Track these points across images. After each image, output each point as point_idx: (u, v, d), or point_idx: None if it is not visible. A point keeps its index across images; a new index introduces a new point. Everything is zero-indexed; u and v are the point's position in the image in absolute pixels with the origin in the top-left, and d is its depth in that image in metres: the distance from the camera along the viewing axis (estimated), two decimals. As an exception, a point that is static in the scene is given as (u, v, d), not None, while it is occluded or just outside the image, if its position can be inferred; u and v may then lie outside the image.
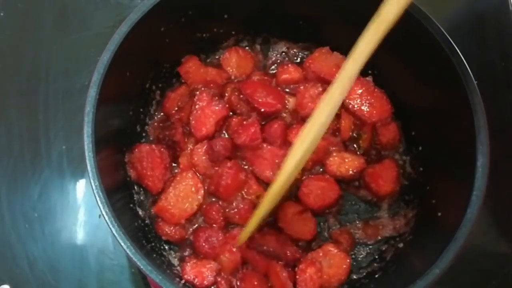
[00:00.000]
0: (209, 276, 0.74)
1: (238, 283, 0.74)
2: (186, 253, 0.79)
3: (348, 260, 0.77)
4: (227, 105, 0.82)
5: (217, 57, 0.89)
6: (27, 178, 0.92)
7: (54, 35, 1.01)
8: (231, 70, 0.87)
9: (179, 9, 0.77)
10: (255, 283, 0.73)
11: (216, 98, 0.82)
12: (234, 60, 0.87)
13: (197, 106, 0.81)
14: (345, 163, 0.81)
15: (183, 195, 0.77)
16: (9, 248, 0.88)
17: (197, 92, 0.83)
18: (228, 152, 0.79)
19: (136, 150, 0.80)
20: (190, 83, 0.86)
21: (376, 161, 0.83)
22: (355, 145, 0.85)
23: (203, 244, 0.76)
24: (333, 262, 0.77)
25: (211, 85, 0.85)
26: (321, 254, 0.77)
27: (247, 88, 0.82)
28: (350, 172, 0.81)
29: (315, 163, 0.82)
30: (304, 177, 0.81)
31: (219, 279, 0.74)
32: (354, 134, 0.85)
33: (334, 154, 0.82)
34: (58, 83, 0.98)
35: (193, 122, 0.81)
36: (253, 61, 0.89)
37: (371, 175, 0.81)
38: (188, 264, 0.75)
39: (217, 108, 0.81)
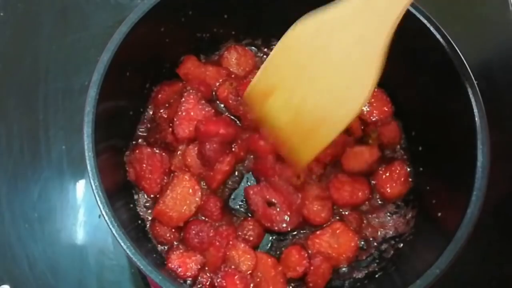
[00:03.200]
0: (193, 268, 0.74)
1: (220, 280, 0.74)
2: (174, 244, 0.79)
3: (356, 239, 0.78)
4: (213, 110, 0.81)
5: (217, 57, 0.89)
6: (27, 178, 0.92)
7: (54, 35, 1.01)
8: (231, 69, 0.87)
9: (179, 9, 0.77)
10: (237, 282, 0.73)
11: (203, 101, 0.81)
12: (234, 58, 0.87)
13: (183, 107, 0.80)
14: (359, 157, 0.81)
15: (180, 198, 0.77)
16: (9, 248, 0.88)
17: (185, 93, 0.82)
18: (218, 155, 0.79)
19: (137, 151, 0.79)
20: (189, 83, 0.86)
21: (385, 162, 0.83)
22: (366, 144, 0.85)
23: (193, 237, 0.76)
24: (342, 241, 0.77)
25: (203, 87, 0.84)
26: (330, 232, 0.78)
27: (243, 90, 0.82)
28: (365, 165, 0.81)
29: (334, 157, 0.82)
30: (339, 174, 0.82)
31: (202, 273, 0.75)
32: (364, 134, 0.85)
33: (347, 150, 0.82)
34: (58, 83, 0.98)
35: (176, 122, 0.80)
36: (253, 58, 0.88)
37: (380, 178, 0.81)
38: (174, 253, 0.75)
39: (203, 112, 0.81)
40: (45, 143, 0.94)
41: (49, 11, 1.03)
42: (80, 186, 0.92)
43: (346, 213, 0.81)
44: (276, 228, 0.77)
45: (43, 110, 0.96)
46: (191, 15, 0.79)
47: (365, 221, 0.81)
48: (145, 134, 0.84)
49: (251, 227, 0.78)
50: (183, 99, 0.81)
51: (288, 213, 0.77)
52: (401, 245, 0.78)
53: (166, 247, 0.79)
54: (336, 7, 0.61)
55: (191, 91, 0.82)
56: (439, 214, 0.72)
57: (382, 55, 0.60)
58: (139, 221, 0.79)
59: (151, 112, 0.85)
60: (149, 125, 0.84)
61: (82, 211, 0.91)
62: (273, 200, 0.78)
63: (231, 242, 0.76)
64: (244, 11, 0.83)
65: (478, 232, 0.64)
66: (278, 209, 0.77)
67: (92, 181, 0.63)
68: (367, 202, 0.82)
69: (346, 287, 0.79)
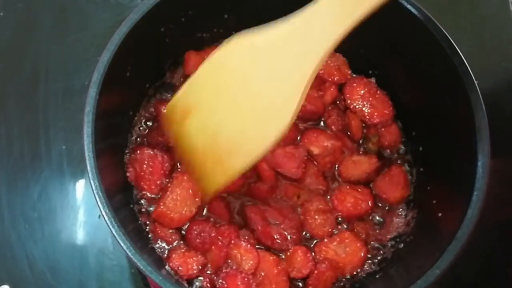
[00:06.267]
0: (194, 268, 0.73)
1: (221, 281, 0.73)
2: (175, 244, 0.78)
3: (365, 249, 0.77)
4: None
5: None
6: (27, 178, 0.92)
7: (54, 35, 1.01)
8: None
9: (179, 9, 0.77)
10: (238, 282, 0.73)
11: None
12: None
13: None
14: (358, 166, 0.81)
15: (180, 199, 0.76)
16: (9, 248, 0.88)
17: None
18: None
19: (138, 152, 0.79)
20: None
21: (383, 167, 0.83)
22: (365, 148, 0.85)
23: (195, 237, 0.76)
24: (349, 250, 0.77)
25: None
26: (338, 240, 0.77)
27: None
28: (364, 174, 0.81)
29: (332, 165, 0.82)
30: (340, 184, 0.81)
31: (203, 274, 0.74)
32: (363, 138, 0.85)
33: (346, 159, 0.82)
34: (58, 83, 0.98)
35: None
36: None
37: (380, 185, 0.81)
38: (175, 252, 0.75)
39: None
40: (45, 143, 0.94)
41: (49, 11, 1.03)
42: (80, 186, 0.92)
43: (355, 223, 0.81)
44: (277, 247, 0.77)
45: (43, 110, 0.96)
46: (191, 15, 0.79)
47: (370, 232, 0.81)
48: (145, 133, 0.84)
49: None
50: None
51: (289, 231, 0.77)
52: (402, 245, 0.78)
53: (167, 247, 0.78)
54: (268, 31, 0.59)
55: None
56: (440, 214, 0.72)
57: (307, 87, 0.58)
58: (139, 221, 0.79)
59: (151, 113, 0.85)
60: (150, 125, 0.84)
61: (82, 211, 0.91)
62: (273, 220, 0.77)
63: (233, 241, 0.76)
64: (244, 11, 0.83)
65: (478, 232, 0.64)
66: (279, 228, 0.77)
67: (92, 181, 0.63)
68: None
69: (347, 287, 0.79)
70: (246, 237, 0.77)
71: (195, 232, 0.76)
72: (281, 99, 0.59)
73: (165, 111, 0.71)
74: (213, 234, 0.76)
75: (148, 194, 0.79)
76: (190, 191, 0.77)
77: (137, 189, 0.80)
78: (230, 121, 0.63)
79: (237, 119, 0.62)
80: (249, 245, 0.75)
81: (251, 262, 0.74)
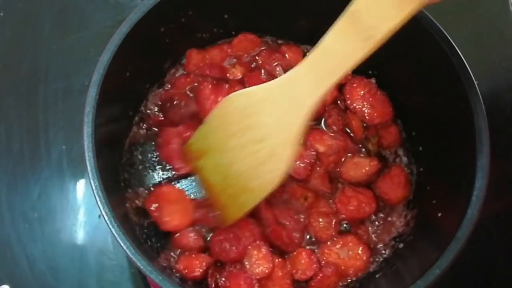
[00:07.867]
0: (200, 268, 0.73)
1: (224, 280, 0.73)
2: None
3: (368, 253, 0.77)
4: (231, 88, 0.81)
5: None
6: (27, 178, 0.92)
7: (54, 35, 1.01)
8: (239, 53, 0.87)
9: (179, 9, 0.77)
10: (241, 282, 0.73)
11: (216, 82, 0.82)
12: (241, 44, 0.87)
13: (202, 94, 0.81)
14: (359, 167, 0.81)
15: (172, 211, 0.77)
16: (9, 248, 0.88)
17: (197, 84, 0.83)
18: None
19: (163, 132, 0.81)
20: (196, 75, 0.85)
21: (383, 168, 0.83)
22: (365, 148, 0.85)
23: (220, 249, 0.75)
24: (352, 254, 0.77)
25: (210, 71, 0.85)
26: (341, 243, 0.77)
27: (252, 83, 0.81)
28: (365, 176, 0.81)
29: (336, 165, 0.82)
30: (344, 186, 0.81)
31: (210, 272, 0.74)
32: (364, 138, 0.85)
33: (347, 160, 0.82)
34: (58, 83, 0.98)
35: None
36: (259, 45, 0.88)
37: (380, 186, 0.81)
38: (181, 255, 0.75)
39: (223, 89, 0.81)
40: (45, 143, 0.94)
41: (49, 11, 1.03)
42: (80, 186, 0.92)
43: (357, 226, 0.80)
44: (284, 247, 0.76)
45: (43, 110, 0.96)
46: (191, 15, 0.79)
47: (370, 228, 0.81)
48: (144, 133, 0.84)
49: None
50: (202, 87, 0.81)
51: (295, 232, 0.77)
52: (401, 245, 0.78)
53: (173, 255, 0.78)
54: (262, 87, 0.66)
55: (202, 79, 0.83)
56: (439, 214, 0.72)
57: (298, 136, 0.64)
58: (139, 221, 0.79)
59: (151, 113, 0.85)
60: (165, 107, 0.84)
61: (82, 211, 0.91)
62: (282, 220, 0.77)
63: (258, 242, 0.75)
64: (244, 11, 0.83)
65: (478, 232, 0.64)
66: (287, 228, 0.77)
67: (92, 181, 0.63)
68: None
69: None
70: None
71: (219, 243, 0.75)
72: (280, 144, 0.64)
73: (184, 150, 0.77)
74: (237, 246, 0.75)
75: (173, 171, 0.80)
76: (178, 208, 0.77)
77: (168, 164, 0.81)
78: (237, 164, 0.69)
79: (243, 163, 0.68)
80: (268, 252, 0.74)
81: (264, 267, 0.73)
